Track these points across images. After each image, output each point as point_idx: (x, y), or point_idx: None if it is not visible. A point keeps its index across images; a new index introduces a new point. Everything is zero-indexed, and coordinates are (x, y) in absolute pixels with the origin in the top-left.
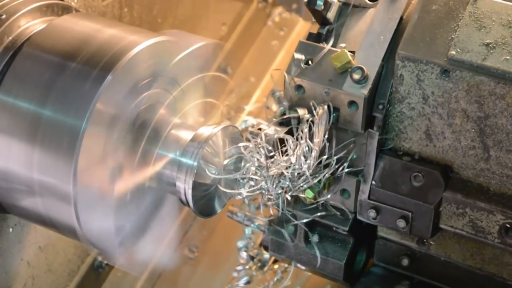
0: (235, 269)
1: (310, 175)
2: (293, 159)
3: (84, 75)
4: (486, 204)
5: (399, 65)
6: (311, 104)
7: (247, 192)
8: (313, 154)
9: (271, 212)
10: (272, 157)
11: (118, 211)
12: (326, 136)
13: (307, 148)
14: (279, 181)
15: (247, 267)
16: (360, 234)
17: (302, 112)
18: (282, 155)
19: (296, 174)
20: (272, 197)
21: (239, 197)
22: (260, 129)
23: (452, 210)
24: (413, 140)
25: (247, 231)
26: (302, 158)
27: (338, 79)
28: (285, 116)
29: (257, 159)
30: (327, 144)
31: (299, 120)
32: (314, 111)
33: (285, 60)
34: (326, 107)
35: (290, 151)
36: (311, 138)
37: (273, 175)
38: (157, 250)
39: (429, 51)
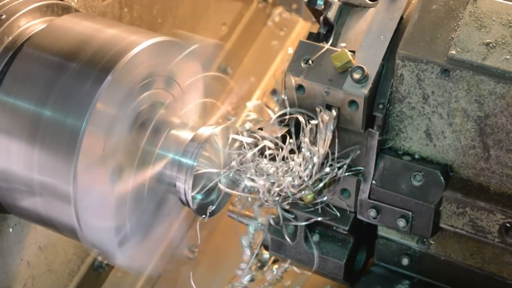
0: (239, 267)
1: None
2: (294, 168)
3: (84, 75)
4: (486, 204)
5: (399, 65)
6: (317, 109)
7: (243, 194)
8: (316, 161)
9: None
10: (273, 159)
11: (118, 211)
12: (329, 142)
13: (308, 153)
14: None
15: (249, 265)
16: (360, 234)
17: (302, 119)
18: (282, 159)
19: (296, 183)
20: (268, 203)
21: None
22: (260, 128)
23: (452, 209)
24: (413, 140)
25: (251, 228)
26: (303, 167)
27: (339, 78)
28: (282, 115)
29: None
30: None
31: (298, 124)
32: (319, 116)
33: (285, 60)
34: (334, 112)
35: (290, 161)
36: (313, 142)
37: (272, 184)
38: (157, 250)
39: (429, 50)
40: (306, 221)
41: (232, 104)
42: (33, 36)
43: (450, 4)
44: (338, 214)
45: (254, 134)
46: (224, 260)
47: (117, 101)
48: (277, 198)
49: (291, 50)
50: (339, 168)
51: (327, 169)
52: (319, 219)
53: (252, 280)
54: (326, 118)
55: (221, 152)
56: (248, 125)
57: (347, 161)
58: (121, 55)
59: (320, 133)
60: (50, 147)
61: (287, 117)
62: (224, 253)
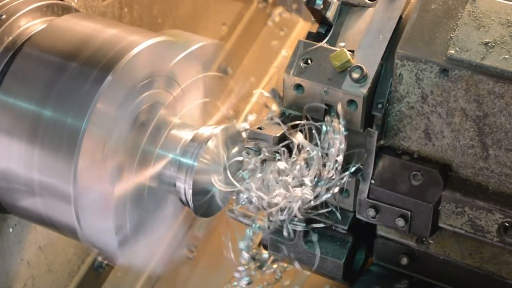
0: (237, 269)
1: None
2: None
3: (84, 75)
4: (485, 203)
5: (398, 64)
6: (327, 119)
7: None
8: (333, 167)
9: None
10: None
11: (118, 211)
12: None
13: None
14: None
15: (248, 268)
16: (360, 233)
17: (300, 138)
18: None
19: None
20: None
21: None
22: (260, 128)
23: (451, 209)
24: (412, 139)
25: (249, 232)
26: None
27: (338, 78)
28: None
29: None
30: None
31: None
32: (330, 121)
33: (285, 60)
34: (339, 108)
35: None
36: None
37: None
38: (157, 250)
39: (428, 50)
40: (306, 223)
41: (232, 104)
42: (33, 36)
43: (449, 3)
44: (339, 217)
45: (254, 138)
46: (223, 260)
47: (117, 101)
48: (283, 219)
49: (285, 53)
50: (345, 170)
51: (335, 175)
52: (321, 225)
53: (249, 283)
54: (338, 124)
55: (221, 153)
56: (247, 125)
57: (357, 165)
58: (121, 55)
59: (334, 139)
60: (50, 147)
61: (303, 122)
62: (223, 253)
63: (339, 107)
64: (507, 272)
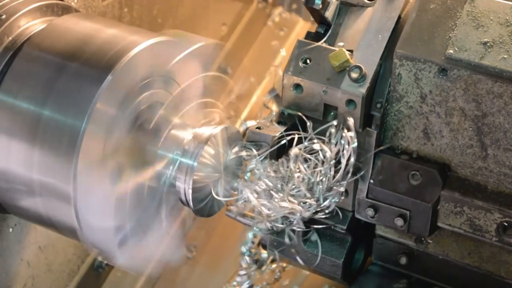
0: (238, 274)
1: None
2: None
3: (84, 75)
4: (483, 203)
5: (397, 64)
6: (332, 130)
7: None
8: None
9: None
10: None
11: (118, 211)
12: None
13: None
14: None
15: (249, 271)
16: (358, 233)
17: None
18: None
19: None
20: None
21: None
22: (259, 127)
23: (450, 208)
24: (411, 139)
25: (250, 235)
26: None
27: (336, 78)
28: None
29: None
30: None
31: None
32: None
33: (285, 60)
34: (351, 122)
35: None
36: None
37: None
38: (157, 250)
39: (427, 49)
40: (305, 224)
41: (232, 104)
42: (33, 36)
43: (448, 3)
44: (341, 216)
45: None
46: (223, 260)
47: (117, 101)
48: (284, 225)
49: (284, 52)
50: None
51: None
52: (320, 226)
53: (251, 286)
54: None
55: (221, 153)
56: (247, 124)
57: (362, 171)
58: (121, 55)
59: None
60: (50, 147)
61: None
62: (223, 252)
63: (351, 121)
64: (506, 272)
